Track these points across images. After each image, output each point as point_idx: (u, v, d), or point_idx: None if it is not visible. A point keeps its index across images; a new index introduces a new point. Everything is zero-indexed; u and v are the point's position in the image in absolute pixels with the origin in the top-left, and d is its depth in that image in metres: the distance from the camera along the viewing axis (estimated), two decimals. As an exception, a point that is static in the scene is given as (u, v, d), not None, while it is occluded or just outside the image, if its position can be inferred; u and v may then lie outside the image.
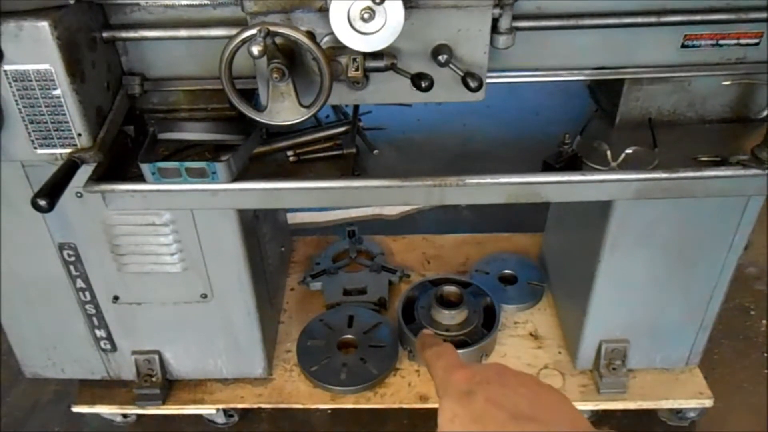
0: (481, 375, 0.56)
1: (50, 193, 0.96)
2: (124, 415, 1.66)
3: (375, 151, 1.25)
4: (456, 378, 0.57)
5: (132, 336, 1.49)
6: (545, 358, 1.64)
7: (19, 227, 1.28)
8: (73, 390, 1.62)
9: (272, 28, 0.88)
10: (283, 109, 0.97)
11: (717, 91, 1.20)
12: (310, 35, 0.92)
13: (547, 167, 1.15)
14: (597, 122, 1.28)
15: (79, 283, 1.38)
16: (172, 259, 1.33)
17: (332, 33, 0.91)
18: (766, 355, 1.84)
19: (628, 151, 1.14)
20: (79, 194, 1.22)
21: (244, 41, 0.89)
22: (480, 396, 0.53)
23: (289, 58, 0.95)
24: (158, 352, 1.52)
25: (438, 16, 0.95)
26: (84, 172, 1.07)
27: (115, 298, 1.41)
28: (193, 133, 1.16)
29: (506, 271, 1.88)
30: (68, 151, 1.03)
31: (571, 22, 1.03)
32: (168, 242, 1.31)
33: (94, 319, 1.45)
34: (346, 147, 1.24)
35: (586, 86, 1.41)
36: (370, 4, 0.87)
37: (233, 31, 0.91)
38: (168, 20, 1.05)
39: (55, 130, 1.02)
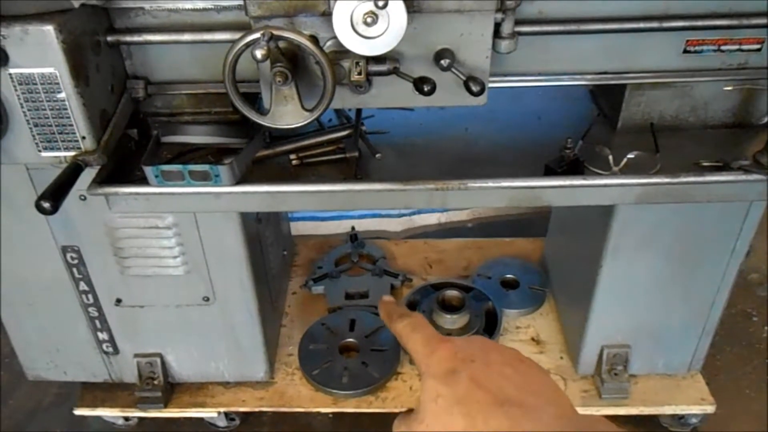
0: (464, 352, 0.55)
1: (54, 196, 0.96)
2: (126, 418, 1.66)
3: (377, 155, 1.25)
4: (438, 355, 0.55)
5: (134, 339, 1.49)
6: (547, 363, 1.64)
7: (23, 230, 1.28)
8: (75, 393, 1.62)
9: (275, 32, 0.89)
10: (286, 112, 0.98)
11: (719, 97, 1.20)
12: (314, 39, 0.93)
13: (549, 171, 1.15)
14: (599, 127, 1.28)
15: (82, 286, 1.38)
16: (174, 262, 1.34)
17: (335, 37, 0.91)
18: (768, 361, 1.84)
19: (630, 155, 1.14)
20: (82, 197, 1.22)
21: (247, 45, 0.89)
22: (464, 376, 0.52)
23: (293, 62, 0.95)
24: (160, 355, 1.52)
25: (440, 20, 0.96)
26: (88, 174, 1.07)
27: (118, 301, 1.41)
28: (196, 136, 1.17)
29: (508, 276, 1.88)
30: (72, 153, 1.04)
31: (573, 27, 1.04)
32: (171, 245, 1.31)
33: (97, 321, 1.45)
34: (348, 150, 1.24)
35: (588, 91, 1.41)
36: (373, 8, 0.88)
37: (237, 35, 0.91)
38: (172, 24, 1.05)
39: (59, 133, 1.02)
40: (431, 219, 2.38)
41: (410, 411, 0.57)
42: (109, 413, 1.60)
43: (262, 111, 0.99)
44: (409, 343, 0.60)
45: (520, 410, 0.49)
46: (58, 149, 1.04)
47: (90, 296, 1.40)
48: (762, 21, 1.03)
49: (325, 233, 2.28)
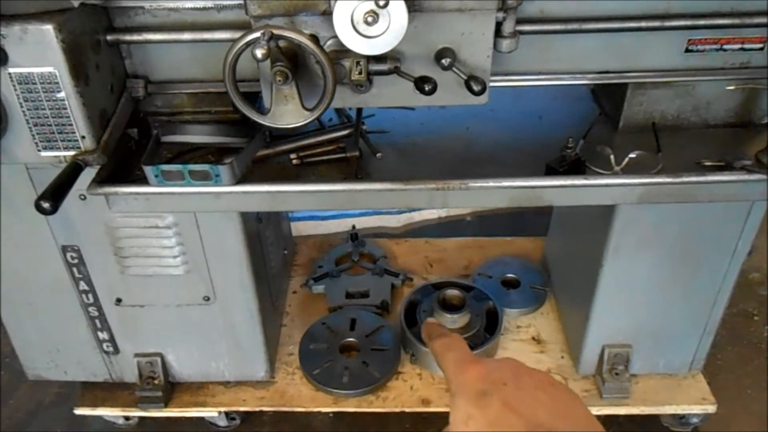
0: (496, 374, 0.54)
1: (54, 196, 0.96)
2: (127, 418, 1.66)
3: (378, 155, 1.25)
4: (470, 375, 0.55)
5: (134, 338, 1.49)
6: (548, 362, 1.64)
7: (23, 229, 1.28)
8: (75, 392, 1.62)
9: (276, 32, 0.88)
10: (287, 112, 0.98)
11: (721, 96, 1.20)
12: (314, 38, 0.92)
13: (551, 171, 1.15)
14: (600, 126, 1.28)
15: (82, 286, 1.38)
16: (175, 262, 1.33)
17: (336, 36, 0.91)
18: (769, 360, 1.83)
19: (632, 155, 1.14)
20: (82, 197, 1.22)
21: (247, 44, 0.89)
22: (496, 399, 0.51)
23: (293, 62, 0.95)
24: (160, 355, 1.52)
25: (441, 19, 0.95)
26: (87, 174, 1.07)
27: (118, 301, 1.41)
28: (196, 135, 1.16)
29: (509, 275, 1.87)
30: (72, 153, 1.04)
31: (575, 26, 1.03)
32: (171, 245, 1.31)
33: (97, 321, 1.45)
34: (349, 150, 1.24)
35: (589, 90, 1.41)
36: (374, 7, 0.87)
37: (237, 35, 0.91)
38: (172, 23, 1.05)
39: (59, 133, 1.02)
40: (431, 214, 2.39)
41: (440, 430, 0.57)
42: (110, 413, 1.60)
43: (262, 110, 0.99)
44: (442, 361, 0.60)
45: None
46: (58, 149, 1.04)
47: (90, 296, 1.40)
48: (764, 20, 1.03)
49: (326, 232, 2.28)
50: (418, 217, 2.38)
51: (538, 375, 0.55)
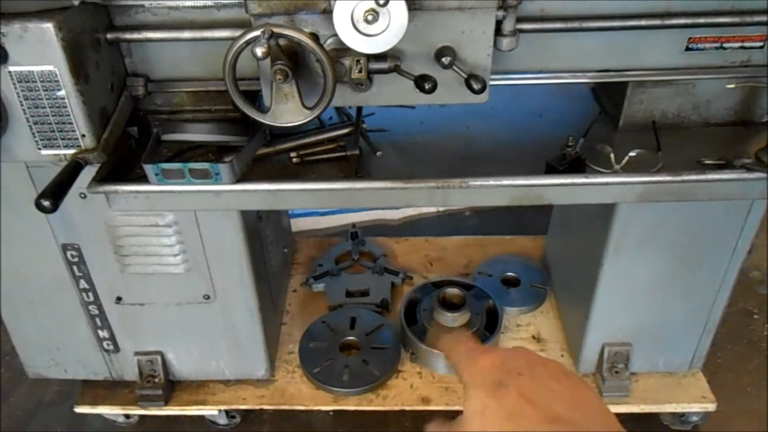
0: (510, 363, 0.54)
1: (54, 194, 0.96)
2: (127, 416, 1.66)
3: (378, 153, 1.25)
4: (484, 364, 0.54)
5: (134, 337, 1.49)
6: (548, 361, 1.63)
7: (23, 228, 1.28)
8: (75, 390, 1.62)
9: (276, 30, 0.88)
10: (287, 110, 0.98)
11: (721, 94, 1.20)
12: (314, 37, 0.92)
13: (551, 170, 1.15)
14: (600, 125, 1.28)
15: (83, 284, 1.38)
16: (175, 260, 1.33)
17: (336, 35, 0.91)
18: (769, 359, 1.83)
19: (632, 153, 1.14)
20: (82, 195, 1.22)
21: (247, 43, 0.89)
22: (512, 389, 0.51)
23: (293, 60, 0.95)
24: (161, 353, 1.52)
25: (442, 18, 0.95)
26: (88, 172, 1.07)
27: (118, 299, 1.41)
28: (196, 134, 1.16)
29: (509, 274, 1.87)
30: (72, 151, 1.04)
31: (575, 24, 1.03)
32: (171, 243, 1.31)
33: (97, 319, 1.45)
34: (349, 149, 1.24)
35: (589, 89, 1.41)
36: (374, 6, 0.87)
37: (237, 33, 0.91)
38: (172, 22, 1.05)
39: (59, 131, 1.02)
40: (430, 208, 2.41)
41: (444, 418, 0.56)
42: (110, 411, 1.60)
43: (262, 109, 0.99)
44: (452, 355, 0.59)
45: (569, 427, 0.49)
46: (58, 147, 1.04)
47: (90, 294, 1.40)
48: (764, 18, 1.03)
49: (325, 227, 2.29)
50: (417, 211, 2.39)
51: (551, 364, 0.55)
